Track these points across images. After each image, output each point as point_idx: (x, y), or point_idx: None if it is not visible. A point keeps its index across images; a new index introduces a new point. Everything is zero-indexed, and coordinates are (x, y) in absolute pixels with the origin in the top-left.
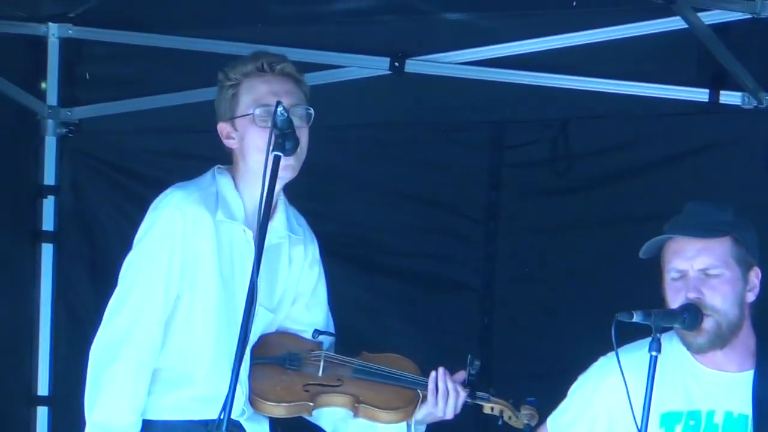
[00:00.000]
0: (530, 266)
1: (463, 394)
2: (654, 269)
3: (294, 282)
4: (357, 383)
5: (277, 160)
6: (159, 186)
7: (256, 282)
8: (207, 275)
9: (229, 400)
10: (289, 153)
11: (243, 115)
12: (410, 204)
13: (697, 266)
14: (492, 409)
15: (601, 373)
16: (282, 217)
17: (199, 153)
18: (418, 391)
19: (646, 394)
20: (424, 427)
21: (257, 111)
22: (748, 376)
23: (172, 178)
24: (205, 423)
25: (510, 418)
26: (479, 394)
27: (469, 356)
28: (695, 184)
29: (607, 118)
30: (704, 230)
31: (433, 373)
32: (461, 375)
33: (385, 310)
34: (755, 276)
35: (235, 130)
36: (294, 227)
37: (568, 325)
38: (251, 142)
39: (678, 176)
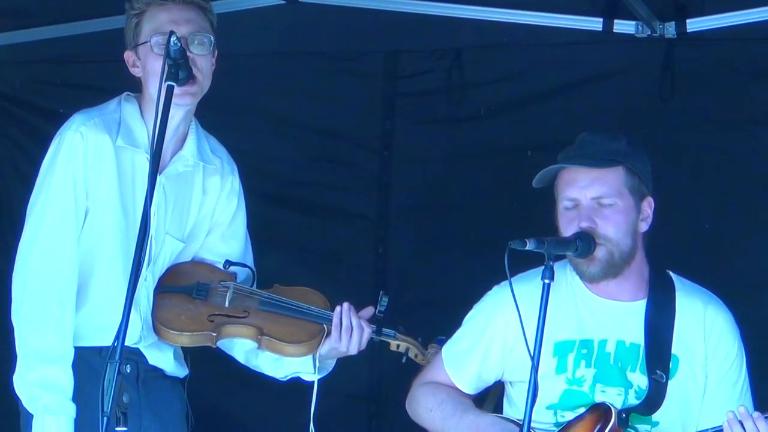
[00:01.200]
0: (424, 195)
1: (368, 330)
2: (547, 198)
3: (209, 212)
4: (263, 315)
5: (170, 89)
6: (52, 116)
7: (149, 210)
8: (107, 198)
9: (123, 326)
10: (182, 83)
11: (143, 43)
12: (304, 133)
13: (590, 195)
14: (398, 346)
15: (494, 302)
16: (192, 146)
17: (91, 83)
18: (324, 325)
19: (538, 322)
20: (333, 362)
21: (154, 39)
22: (641, 305)
23: (65, 108)
24: (99, 350)
25: (416, 356)
26: (386, 331)
27: (381, 293)
28: (588, 114)
29: (501, 46)
30: (597, 160)
31: (338, 308)
32: (369, 311)
33: (279, 240)
34: (648, 206)
35: (138, 58)
36: (207, 156)
37: (462, 254)
38: (150, 70)
39: (571, 106)
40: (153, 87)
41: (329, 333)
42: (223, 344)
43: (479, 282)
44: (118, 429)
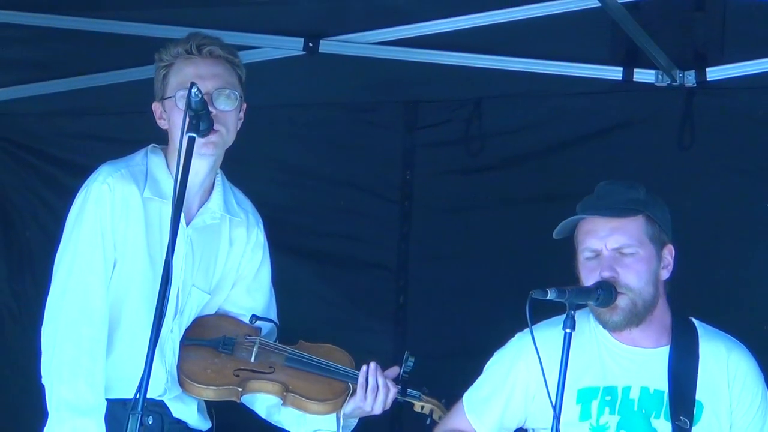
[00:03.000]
0: (444, 245)
1: (393, 391)
2: (567, 249)
3: (234, 264)
4: (288, 372)
5: (191, 141)
6: (71, 168)
7: (171, 261)
8: (134, 249)
9: (145, 377)
10: (203, 134)
11: (168, 97)
12: (324, 185)
13: (611, 245)
14: (423, 407)
15: (516, 349)
16: (218, 198)
17: (113, 136)
18: (349, 384)
19: (560, 370)
20: (356, 421)
21: (179, 93)
22: (664, 351)
23: (84, 160)
24: (124, 402)
25: (440, 417)
26: (410, 391)
27: (406, 353)
28: (608, 163)
29: (520, 97)
30: (616, 209)
31: (364, 367)
32: (394, 371)
33: (300, 292)
34: (668, 253)
35: (165, 111)
36: (233, 209)
37: (482, 303)
38: (175, 122)
39: (591, 155)
40: (177, 139)
41: (354, 392)
42: (246, 399)
43: (500, 332)
44: None
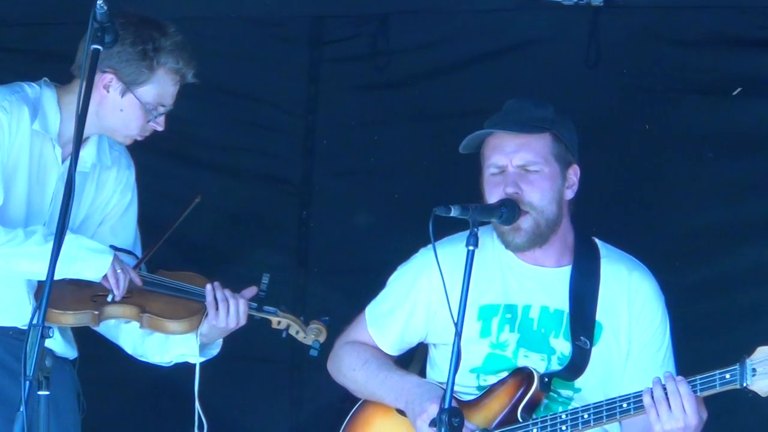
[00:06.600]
0: (349, 161)
1: (242, 302)
2: (473, 165)
3: (101, 205)
4: (145, 295)
5: (96, 53)
6: None
7: (74, 174)
8: (14, 178)
9: (46, 291)
10: (108, 46)
11: (138, 97)
12: (230, 98)
13: (516, 162)
14: (279, 323)
15: (420, 265)
16: (92, 148)
17: (12, 46)
18: (204, 304)
19: (462, 289)
20: (219, 345)
21: (158, 109)
22: (566, 271)
23: None
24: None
25: (298, 333)
26: (267, 308)
27: (263, 273)
28: (515, 81)
29: (427, 12)
30: (524, 126)
31: (208, 285)
32: (252, 290)
33: (204, 205)
34: (573, 173)
35: (120, 94)
36: (104, 155)
37: (386, 219)
38: (124, 115)
39: (498, 72)
40: (108, 117)
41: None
42: (111, 334)
43: (403, 246)
44: (40, 393)
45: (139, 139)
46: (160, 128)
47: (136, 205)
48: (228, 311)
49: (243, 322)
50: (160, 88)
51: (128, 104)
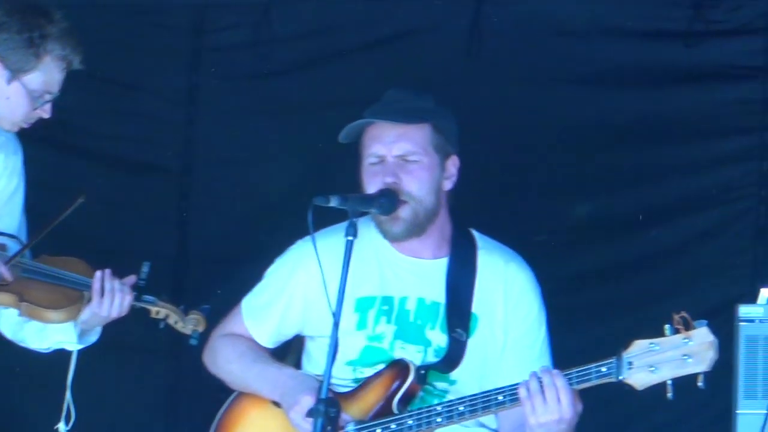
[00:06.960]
0: (230, 150)
1: (127, 294)
2: (353, 154)
3: None
4: (24, 283)
5: None
6: None
7: None
8: None
9: None
10: None
11: (30, 89)
12: (109, 86)
13: (396, 152)
14: (158, 312)
15: (296, 257)
16: None
17: None
18: (84, 292)
19: (341, 278)
20: (98, 332)
21: (45, 96)
22: (442, 263)
23: None
24: None
25: (176, 322)
26: (146, 297)
27: (143, 262)
28: (396, 70)
29: (309, 2)
30: (403, 116)
31: (97, 273)
32: (131, 278)
33: (88, 195)
34: (452, 164)
35: (6, 82)
36: None
37: (267, 209)
38: (10, 103)
39: (379, 62)
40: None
41: (90, 300)
42: None
43: (282, 237)
44: None
45: (25, 126)
46: (46, 115)
47: (22, 191)
48: (113, 302)
49: (124, 312)
50: (47, 75)
51: (14, 92)
